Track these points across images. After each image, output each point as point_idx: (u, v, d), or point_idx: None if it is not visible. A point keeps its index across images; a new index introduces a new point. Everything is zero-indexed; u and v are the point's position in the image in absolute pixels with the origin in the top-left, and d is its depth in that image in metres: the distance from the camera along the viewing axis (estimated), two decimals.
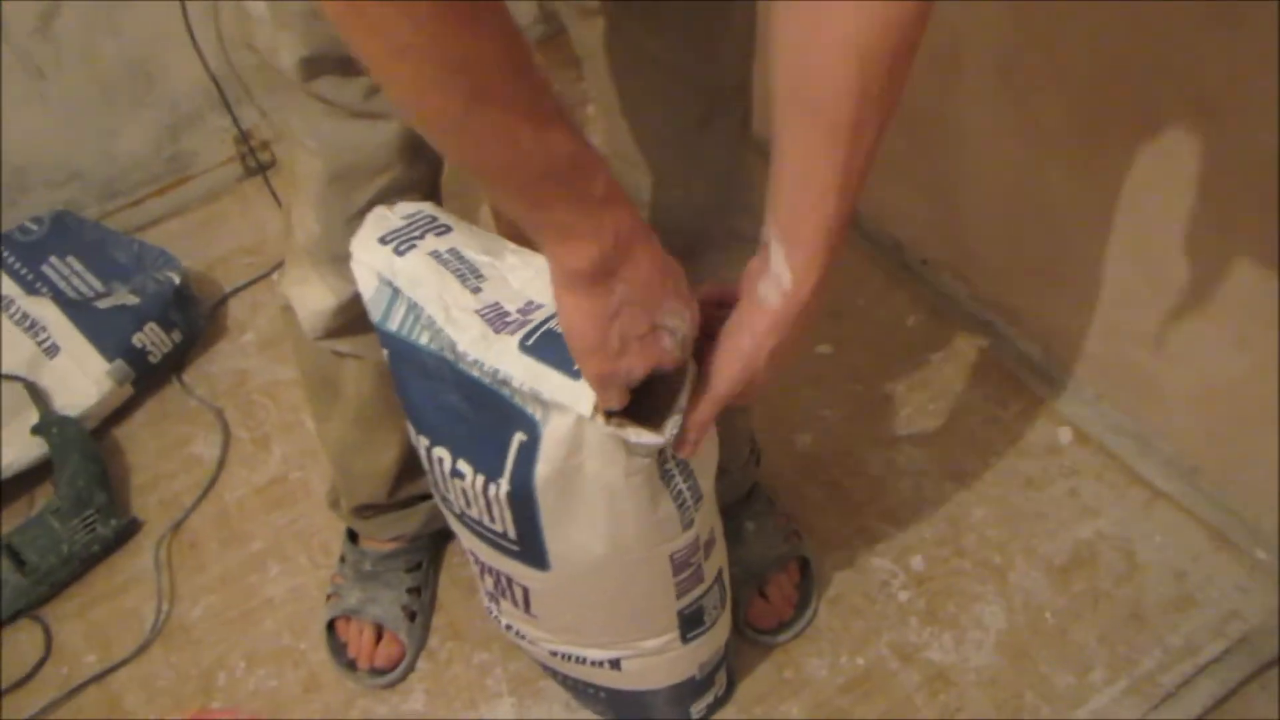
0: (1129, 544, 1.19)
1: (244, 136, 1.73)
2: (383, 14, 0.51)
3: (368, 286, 0.85)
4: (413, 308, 0.82)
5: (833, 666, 1.14)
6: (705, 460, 0.83)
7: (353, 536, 1.23)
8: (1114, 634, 1.13)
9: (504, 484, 0.81)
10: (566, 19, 0.87)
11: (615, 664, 0.99)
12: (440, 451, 0.85)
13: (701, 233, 0.94)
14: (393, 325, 0.84)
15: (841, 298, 1.48)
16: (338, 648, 1.20)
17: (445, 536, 1.27)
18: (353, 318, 0.97)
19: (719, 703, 1.11)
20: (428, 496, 1.18)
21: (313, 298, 0.98)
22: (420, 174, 0.91)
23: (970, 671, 1.12)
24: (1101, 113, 1.09)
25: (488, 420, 0.81)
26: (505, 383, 0.75)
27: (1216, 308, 1.08)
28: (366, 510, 1.18)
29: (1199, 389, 1.15)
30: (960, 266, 1.42)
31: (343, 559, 1.24)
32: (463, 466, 0.84)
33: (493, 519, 0.86)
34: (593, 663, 0.99)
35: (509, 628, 1.03)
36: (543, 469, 0.78)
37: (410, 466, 1.13)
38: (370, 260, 0.84)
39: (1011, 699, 1.09)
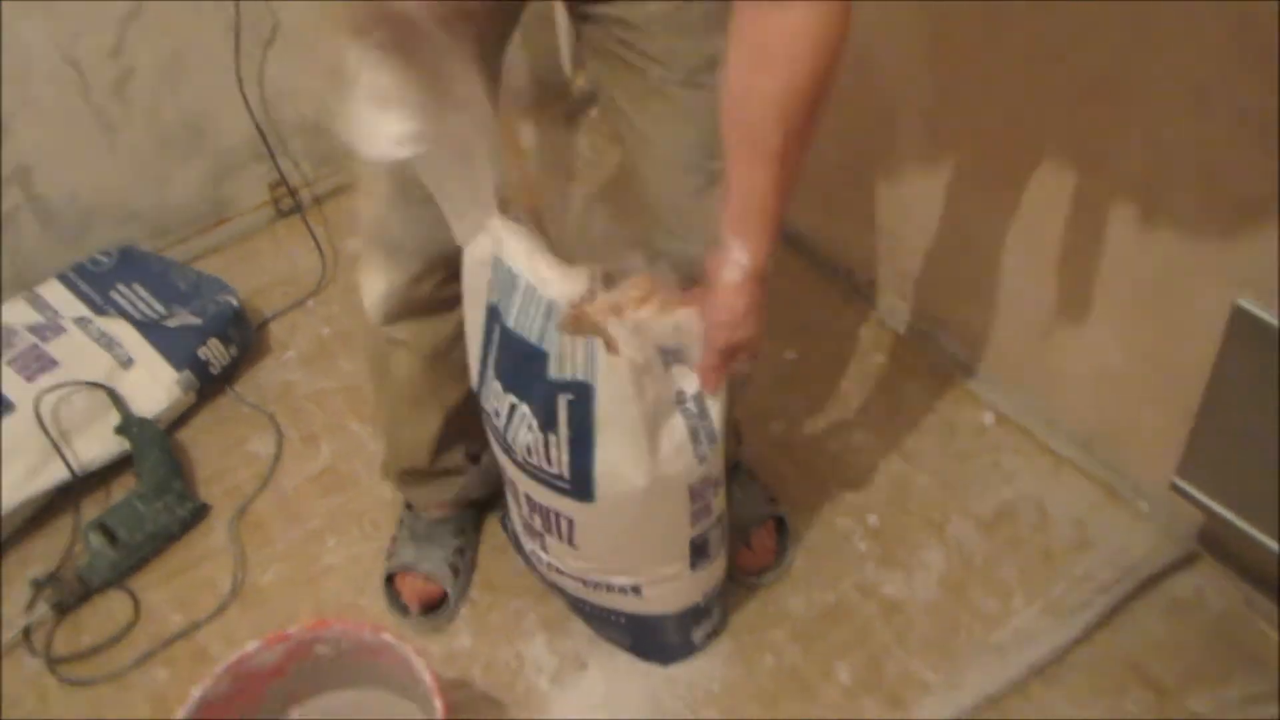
0: (1040, 501, 1.47)
1: (283, 180, 1.98)
2: None
3: (482, 274, 1.11)
4: (509, 279, 1.07)
5: (808, 601, 1.40)
6: (718, 409, 1.09)
7: (409, 506, 1.47)
8: (1030, 569, 1.40)
9: (562, 431, 1.07)
10: (613, 113, 1.14)
11: (637, 590, 1.24)
12: (524, 408, 1.09)
13: (695, 275, 1.17)
14: (499, 304, 1.10)
15: (804, 314, 1.77)
16: (393, 596, 1.43)
17: (484, 509, 1.51)
18: (401, 303, 1.20)
19: (716, 632, 1.36)
20: (461, 471, 1.42)
21: (372, 284, 1.20)
22: None
23: (918, 602, 1.38)
24: (1006, 159, 1.38)
25: (544, 386, 1.07)
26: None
27: (1099, 309, 1.37)
28: (410, 475, 1.41)
29: (1090, 375, 1.44)
30: (899, 286, 1.70)
31: (400, 523, 1.47)
32: (534, 422, 1.09)
33: (550, 463, 1.11)
34: (619, 589, 1.24)
35: (550, 565, 1.27)
36: (599, 412, 1.04)
37: (447, 439, 1.37)
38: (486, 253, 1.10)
39: (950, 621, 1.36)
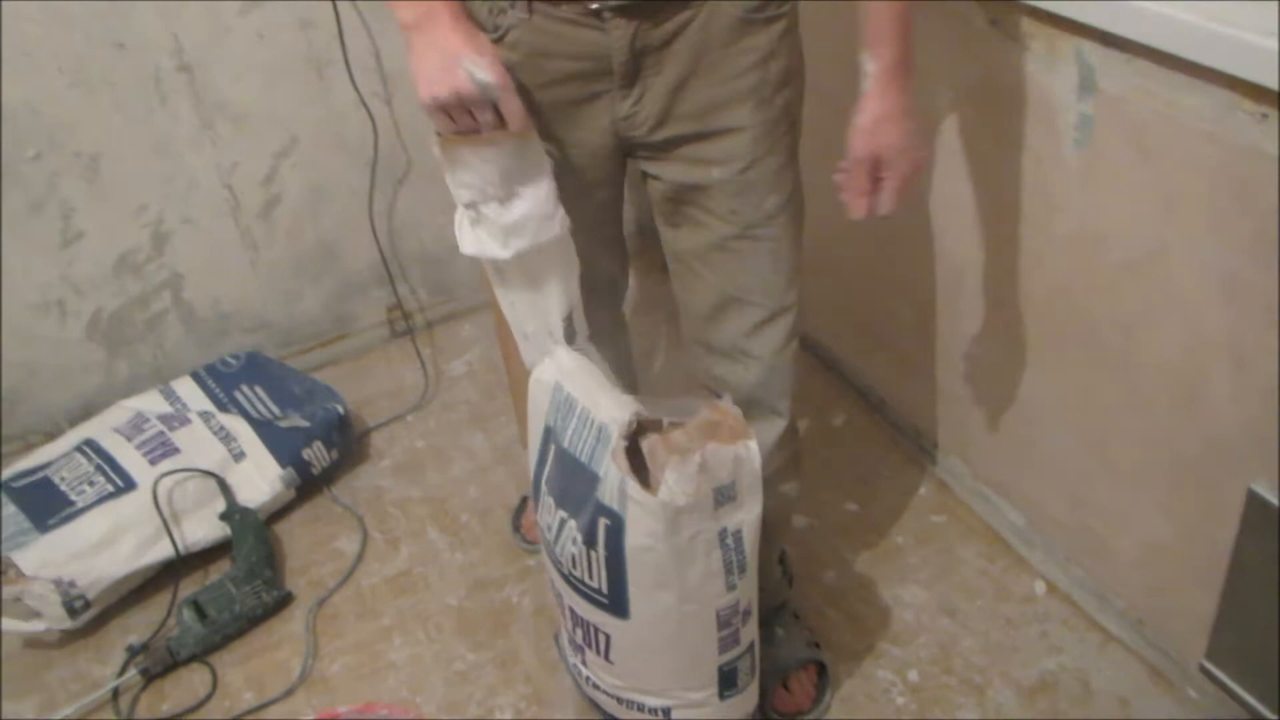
0: (1085, 676, 1.47)
1: (399, 304, 2.17)
2: None
3: (544, 398, 1.22)
4: (567, 403, 1.18)
5: None
6: (752, 541, 1.17)
7: None
8: None
9: (600, 550, 1.16)
10: (673, 259, 1.25)
11: (667, 713, 1.29)
12: (571, 523, 1.19)
13: (751, 401, 1.27)
14: (555, 425, 1.21)
15: (869, 468, 1.83)
16: (519, 514, 1.77)
17: None
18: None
19: None
20: None
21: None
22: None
23: None
24: (1057, 330, 1.44)
25: (589, 505, 1.16)
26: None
27: (1145, 485, 1.39)
28: None
29: (1138, 551, 1.45)
30: (963, 449, 1.75)
31: None
32: (578, 536, 1.19)
33: (591, 576, 1.20)
34: (650, 709, 1.30)
35: (588, 680, 1.34)
36: (629, 542, 1.13)
37: None
38: (548, 377, 1.22)
39: None
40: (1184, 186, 1.17)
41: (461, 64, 1.00)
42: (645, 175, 1.20)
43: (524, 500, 1.81)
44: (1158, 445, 1.35)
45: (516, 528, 1.78)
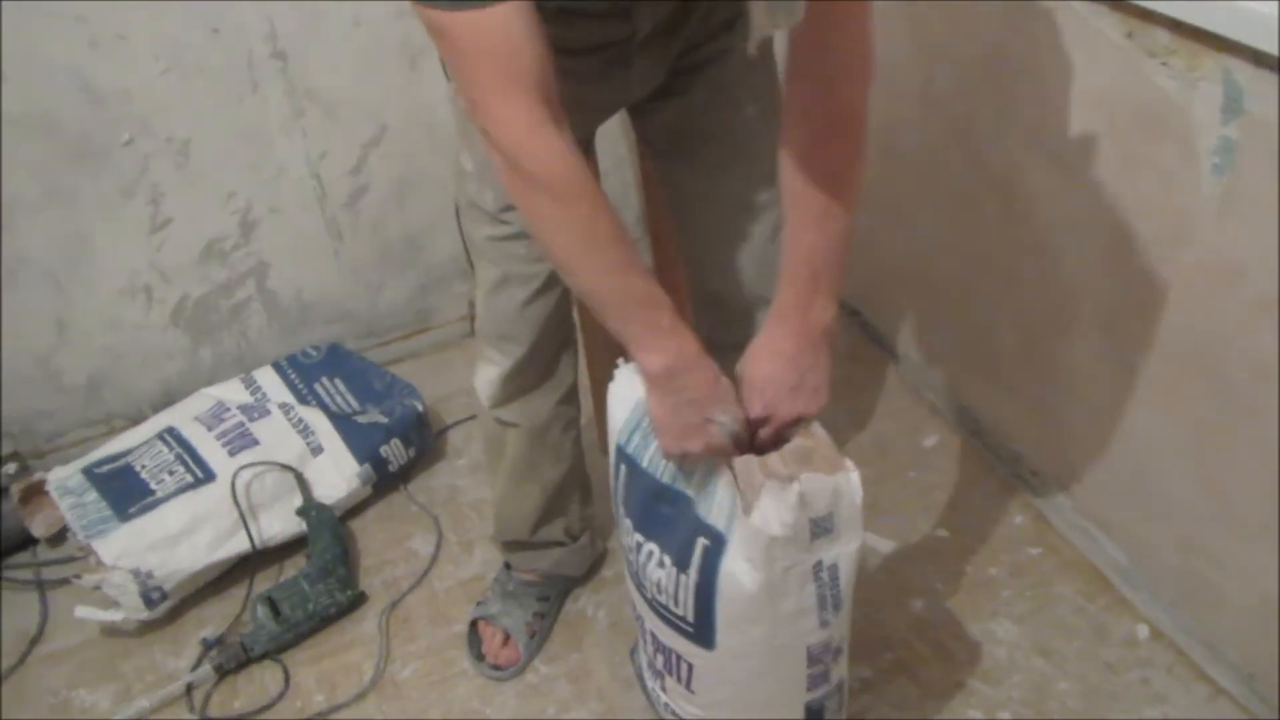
0: None
1: None
2: (538, 200, 0.93)
3: (620, 413, 1.18)
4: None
5: None
6: (848, 578, 1.11)
7: (507, 566, 1.60)
8: None
9: (693, 574, 1.11)
10: (669, 187, 1.32)
11: None
12: (651, 546, 1.15)
13: (751, 300, 1.32)
14: (628, 447, 1.16)
15: (963, 494, 1.75)
16: (474, 641, 1.58)
17: (574, 584, 1.65)
18: (510, 389, 1.37)
19: None
20: (561, 543, 1.56)
21: (484, 371, 1.37)
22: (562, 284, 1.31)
23: None
24: (1179, 366, 1.36)
25: (683, 526, 1.11)
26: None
27: (1268, 535, 1.30)
28: (513, 545, 1.57)
29: (1255, 604, 1.36)
30: (1065, 480, 1.67)
31: (496, 579, 1.62)
32: (665, 559, 1.14)
33: (677, 604, 1.15)
34: None
35: (666, 706, 1.30)
36: (726, 566, 1.08)
37: (546, 515, 1.51)
38: (627, 392, 1.17)
39: None
40: None
41: (716, 419, 1.03)
42: (636, 113, 1.27)
43: None
44: None
45: None
